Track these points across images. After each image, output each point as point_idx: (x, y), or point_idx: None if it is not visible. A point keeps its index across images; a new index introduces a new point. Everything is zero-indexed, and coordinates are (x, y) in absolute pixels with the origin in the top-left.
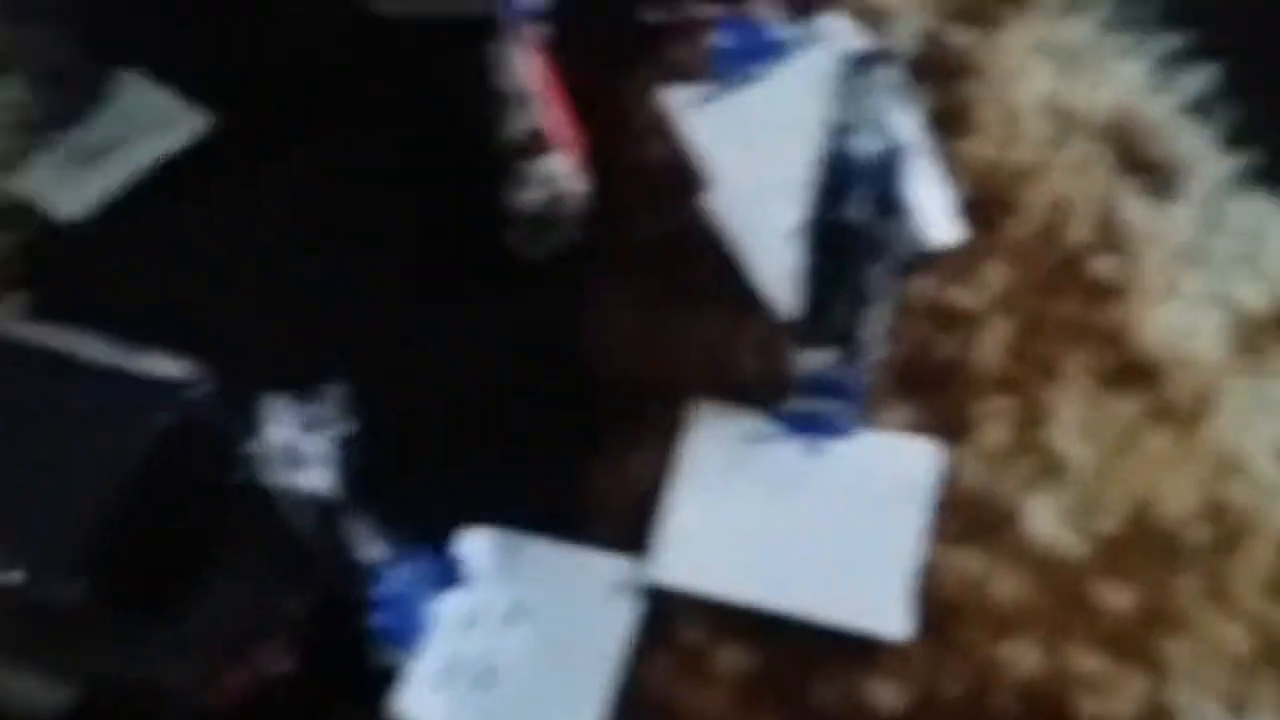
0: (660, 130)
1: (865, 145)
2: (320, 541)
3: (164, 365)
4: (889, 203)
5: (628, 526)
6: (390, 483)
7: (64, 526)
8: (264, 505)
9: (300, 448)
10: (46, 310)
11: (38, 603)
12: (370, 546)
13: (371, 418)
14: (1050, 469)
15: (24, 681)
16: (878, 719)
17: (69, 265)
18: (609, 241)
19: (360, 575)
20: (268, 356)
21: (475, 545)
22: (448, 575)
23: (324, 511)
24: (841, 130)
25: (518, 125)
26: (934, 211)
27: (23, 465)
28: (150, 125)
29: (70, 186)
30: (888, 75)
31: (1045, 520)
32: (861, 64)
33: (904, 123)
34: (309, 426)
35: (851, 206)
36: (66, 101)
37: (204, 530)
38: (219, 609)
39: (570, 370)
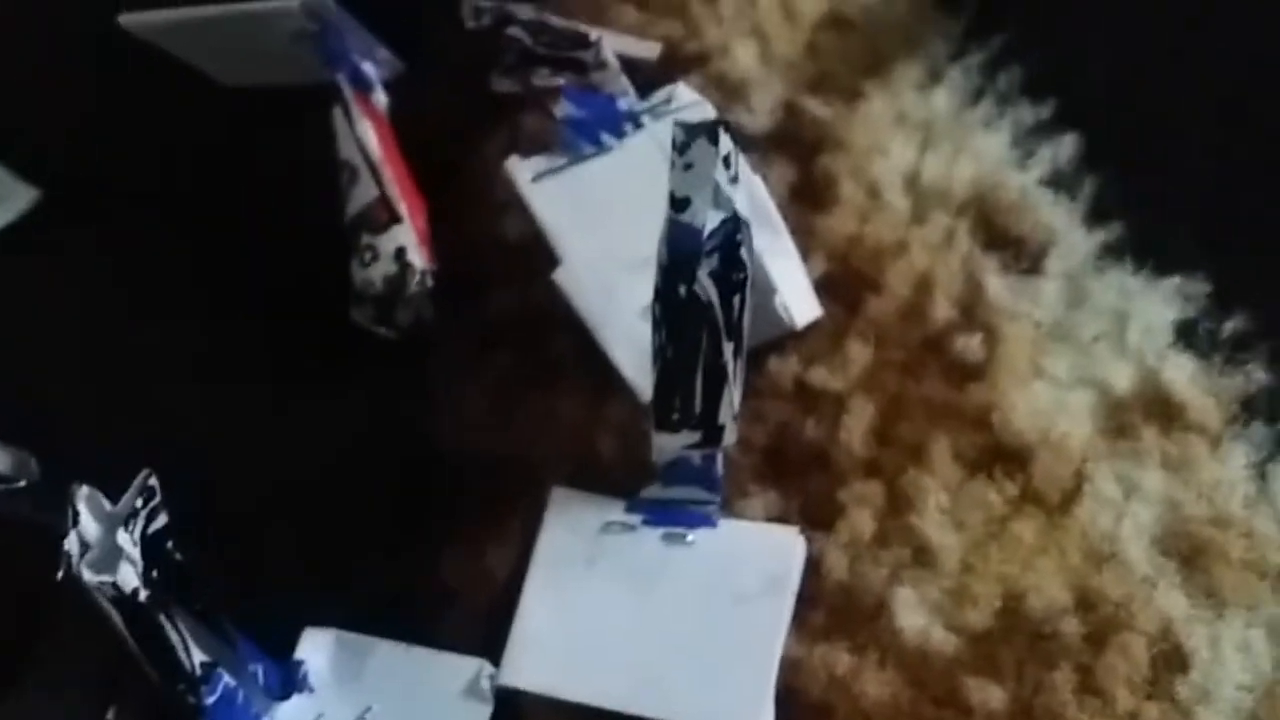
0: (517, 202)
1: (705, 217)
2: (139, 647)
3: None
4: (737, 278)
5: (481, 622)
6: (219, 579)
7: None
8: (76, 608)
9: (114, 543)
10: None
11: None
12: (196, 650)
13: (201, 506)
14: (919, 559)
15: None
16: None
17: None
18: (462, 320)
19: (186, 682)
20: (92, 441)
21: (318, 648)
22: (286, 682)
23: (140, 613)
24: (680, 204)
25: (360, 197)
26: (793, 290)
27: None
28: None
29: None
30: (727, 145)
31: (914, 614)
32: (698, 133)
33: (756, 195)
34: (122, 520)
35: (697, 283)
36: None
37: (16, 635)
38: (33, 714)
39: (421, 454)
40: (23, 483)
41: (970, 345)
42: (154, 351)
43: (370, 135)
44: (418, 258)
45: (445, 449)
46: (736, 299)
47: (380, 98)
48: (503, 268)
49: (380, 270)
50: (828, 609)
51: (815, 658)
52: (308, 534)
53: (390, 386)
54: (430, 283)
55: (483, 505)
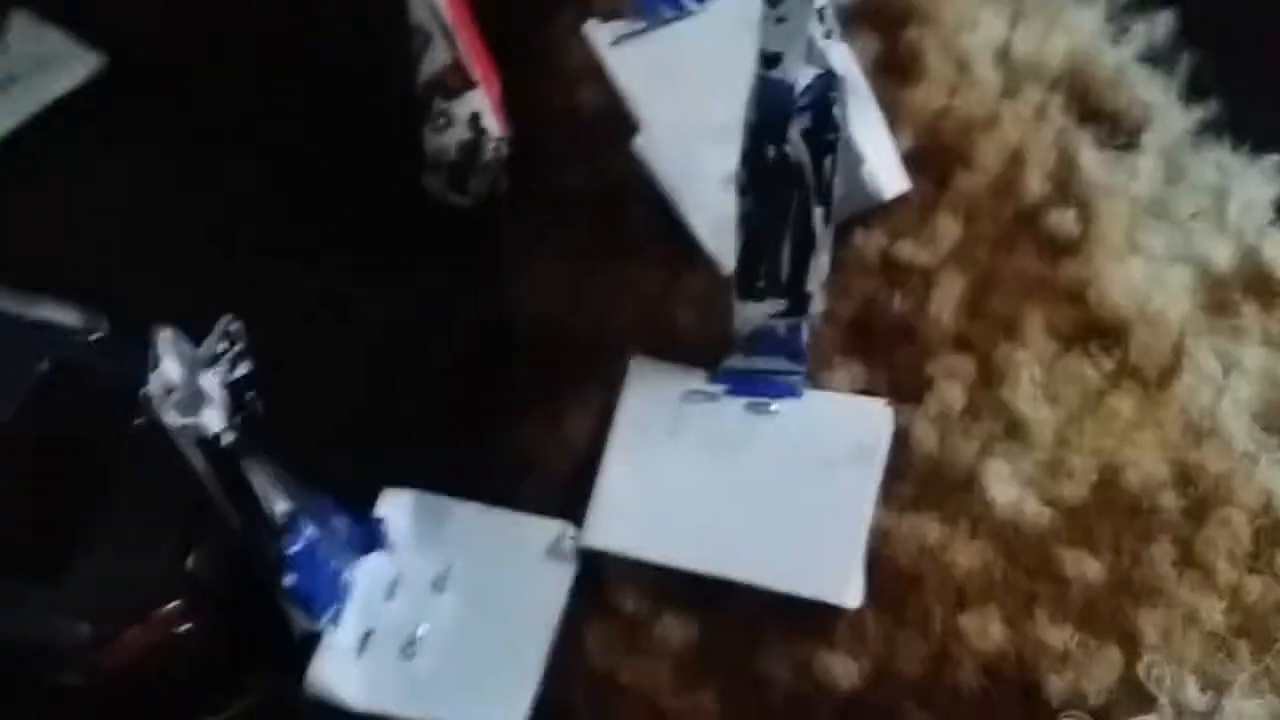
0: (592, 73)
1: (798, 73)
2: (222, 493)
3: (53, 311)
4: (829, 138)
5: (562, 487)
6: (301, 436)
7: None
8: (160, 452)
9: (198, 386)
10: None
11: None
12: (277, 500)
13: (280, 367)
14: (1011, 432)
15: None
16: (832, 694)
17: None
18: (536, 189)
19: (269, 530)
20: (164, 301)
21: (396, 507)
22: (367, 538)
23: (224, 457)
24: (770, 60)
25: (433, 61)
26: (880, 161)
27: None
28: (41, 67)
29: None
30: (820, 1)
31: (1007, 486)
32: None
33: (843, 60)
34: (206, 363)
35: (787, 143)
36: None
37: (93, 481)
38: (113, 563)
39: (496, 324)
40: (96, 335)
41: (1064, 220)
42: (223, 222)
43: None
44: (493, 124)
45: (520, 320)
46: (828, 160)
47: None
48: (576, 139)
49: (454, 136)
50: (916, 480)
51: (904, 528)
52: (382, 402)
53: (463, 257)
54: (505, 150)
55: (559, 375)
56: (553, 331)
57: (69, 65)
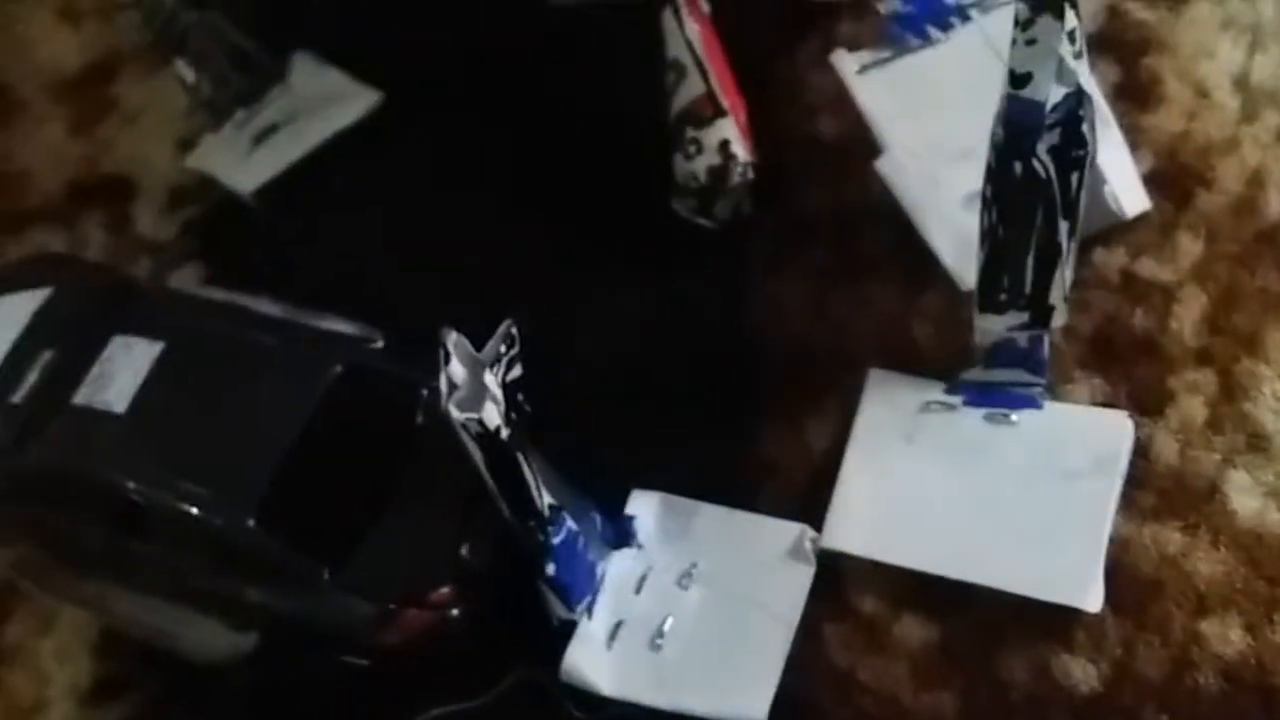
0: (832, 102)
1: (1048, 92)
2: (495, 485)
3: (337, 324)
4: (1078, 154)
5: (801, 493)
6: (562, 439)
7: (240, 464)
8: (440, 448)
9: (477, 385)
10: (222, 279)
11: (214, 534)
12: (543, 495)
13: (544, 375)
14: (1253, 445)
15: (207, 627)
16: (1071, 696)
17: (244, 237)
18: (780, 212)
19: (533, 521)
20: (439, 320)
21: (646, 507)
22: (620, 535)
23: (498, 451)
24: (1020, 80)
25: (686, 93)
26: (1122, 181)
27: (204, 407)
28: (322, 103)
29: (246, 163)
30: (1073, 20)
31: (1249, 497)
32: (1042, 7)
33: (1089, 81)
34: (484, 364)
35: (1036, 158)
36: (243, 81)
37: (379, 474)
38: (394, 549)
39: (741, 339)
40: (378, 344)
41: None
42: (494, 241)
43: (698, 35)
44: (741, 150)
45: (764, 335)
46: (1075, 176)
47: (704, 2)
48: (818, 164)
49: (704, 162)
50: (1157, 491)
51: (1145, 536)
52: (632, 409)
53: (710, 275)
54: (751, 175)
55: (800, 386)
56: (795, 346)
57: (349, 101)
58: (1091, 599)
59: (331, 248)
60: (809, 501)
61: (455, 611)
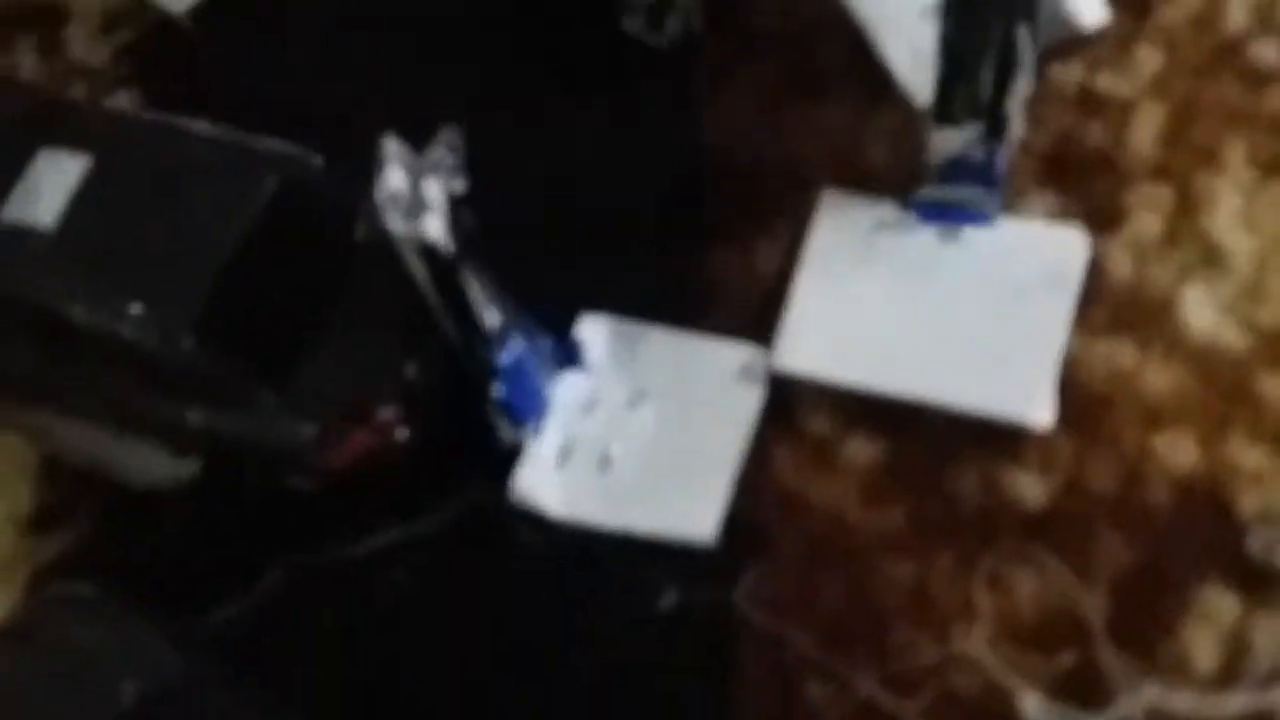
0: None
1: None
2: (439, 301)
3: (274, 145)
4: None
5: (751, 315)
6: (509, 261)
7: (175, 280)
8: (383, 264)
9: (418, 194)
10: (158, 104)
11: (151, 353)
12: (489, 312)
13: (491, 196)
14: (1209, 259)
15: (147, 453)
16: (1021, 511)
17: (179, 61)
18: (730, 29)
19: (480, 339)
20: (377, 137)
21: (595, 330)
22: (567, 357)
23: (442, 265)
24: None
25: None
26: None
27: (136, 224)
28: None
29: None
30: None
31: (1203, 311)
32: None
33: None
34: (426, 172)
35: None
36: None
37: (319, 292)
38: (336, 368)
39: (691, 160)
40: (316, 163)
41: (1267, 52)
42: (437, 58)
43: None
44: None
45: (712, 155)
46: None
47: None
48: None
49: None
50: (1111, 306)
51: (1097, 352)
52: (580, 231)
53: (658, 95)
54: None
55: (750, 206)
56: (745, 166)
57: None
58: (1041, 414)
59: (268, 71)
60: (759, 323)
61: (401, 433)
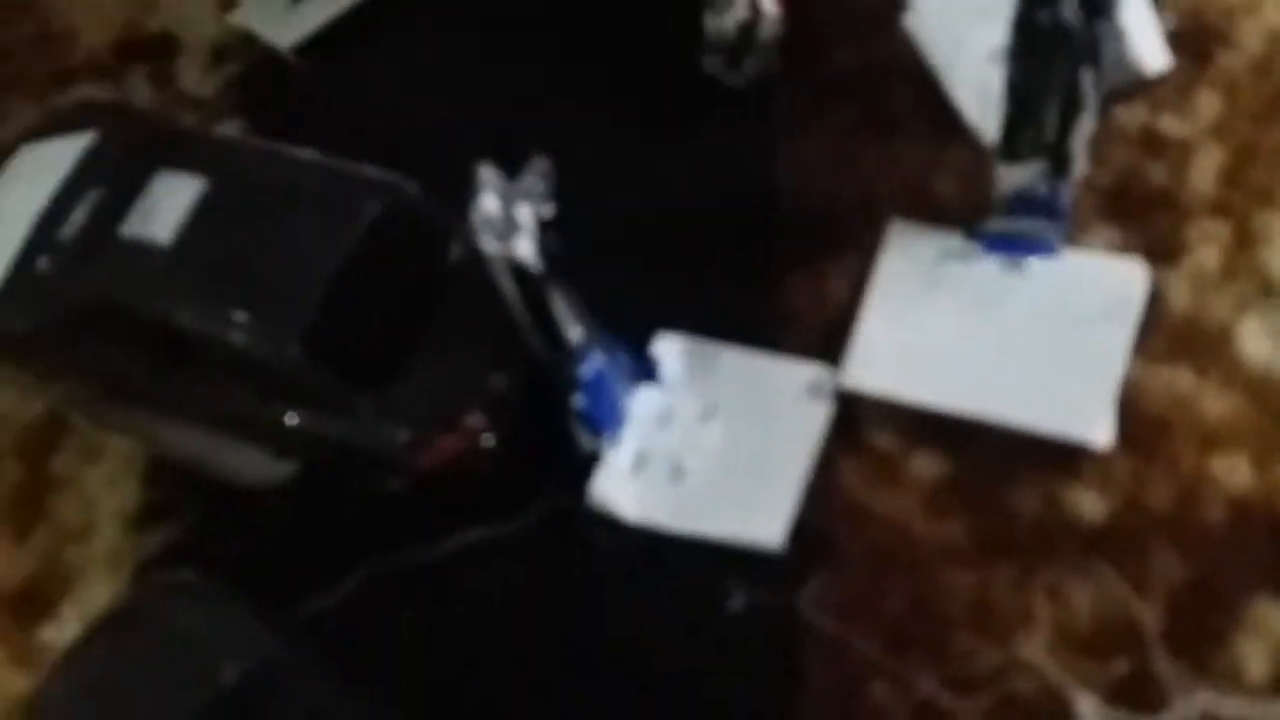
0: None
1: None
2: (526, 317)
3: (374, 172)
4: (1102, 1)
5: (821, 338)
6: (592, 283)
7: (283, 294)
8: (475, 283)
9: (510, 217)
10: (264, 132)
11: (258, 361)
12: (573, 328)
13: (576, 223)
14: (1266, 291)
15: (248, 455)
16: (1078, 528)
17: (284, 93)
18: (807, 70)
19: (563, 353)
20: (472, 165)
21: (671, 348)
22: (644, 372)
23: (530, 283)
24: None
25: None
26: (1144, 38)
27: (248, 241)
28: None
29: (286, 20)
30: None
31: (1260, 341)
32: None
33: None
34: (518, 197)
35: (1063, 6)
36: None
37: (415, 307)
38: (429, 377)
39: (767, 193)
40: (415, 191)
41: None
42: (524, 97)
43: None
44: (769, 5)
45: (787, 188)
46: (1099, 22)
47: None
48: (846, 22)
49: (734, 18)
50: (1170, 335)
51: (1156, 379)
52: (659, 258)
53: (738, 132)
54: (781, 30)
55: (824, 239)
56: (819, 200)
57: None
58: (1101, 434)
59: (369, 103)
60: (828, 346)
61: (486, 438)
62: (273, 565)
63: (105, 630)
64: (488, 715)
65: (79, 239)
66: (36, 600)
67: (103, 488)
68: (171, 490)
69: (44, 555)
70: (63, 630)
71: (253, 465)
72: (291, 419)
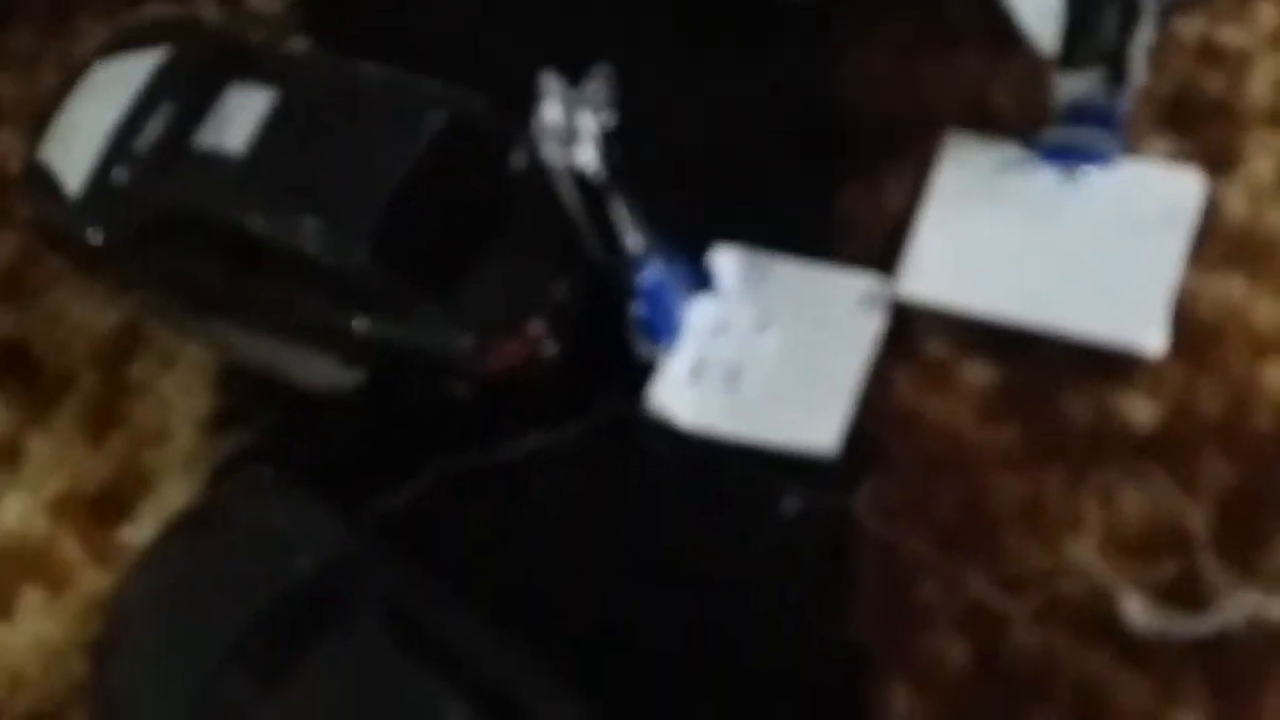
0: None
1: None
2: (588, 224)
3: (438, 86)
4: None
5: (877, 249)
6: (652, 194)
7: (352, 201)
8: (538, 192)
9: (572, 125)
10: (331, 48)
11: (328, 267)
12: (632, 236)
13: (635, 133)
14: None
15: (319, 362)
16: (1130, 433)
17: (349, 9)
18: None
19: (623, 261)
20: (534, 75)
21: (727, 259)
22: (701, 281)
23: (592, 190)
24: None
25: None
26: None
27: (317, 151)
28: None
29: None
30: None
31: None
32: None
33: None
34: (580, 105)
35: None
36: None
37: (480, 216)
38: (493, 284)
39: (826, 107)
40: (476, 101)
41: None
42: (586, 16)
43: None
44: None
45: (846, 100)
46: None
47: None
48: None
49: None
50: (1225, 244)
51: (1211, 286)
52: (719, 166)
53: (798, 47)
54: None
55: (881, 148)
56: (878, 113)
57: None
58: (1154, 341)
59: (432, 20)
60: (884, 256)
61: (547, 345)
62: (342, 469)
63: (183, 528)
64: (547, 614)
65: (154, 151)
66: (115, 502)
67: (178, 393)
68: (244, 396)
69: (122, 459)
70: (141, 530)
71: (322, 372)
72: (360, 325)
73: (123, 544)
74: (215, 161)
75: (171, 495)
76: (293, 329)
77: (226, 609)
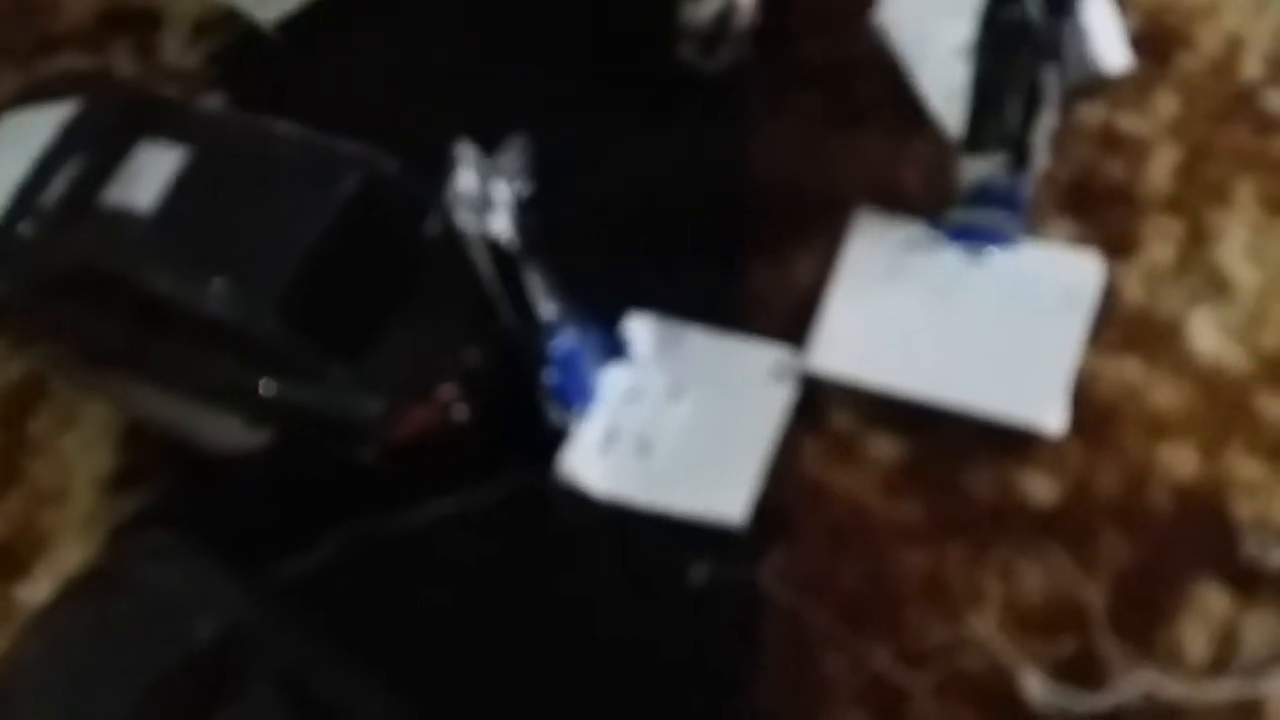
0: None
1: None
2: (501, 291)
3: (353, 147)
4: (1064, 3)
5: (785, 322)
6: (565, 262)
7: (262, 263)
8: (451, 258)
9: (487, 194)
10: (245, 106)
11: (236, 329)
12: (546, 304)
13: (549, 205)
14: (1216, 287)
15: (224, 422)
16: (1030, 510)
17: (266, 68)
18: (778, 60)
19: (536, 329)
20: (450, 142)
21: (641, 328)
22: (614, 350)
23: (505, 258)
24: None
25: None
26: (1105, 38)
27: (227, 211)
28: None
29: None
30: None
31: (1208, 334)
32: None
33: None
34: (495, 174)
35: (1027, 4)
36: None
37: (391, 280)
38: (404, 349)
39: (736, 180)
40: (393, 166)
41: (1278, 101)
42: (499, 80)
43: None
44: None
45: (756, 175)
46: (1061, 24)
47: None
48: (818, 14)
49: (710, 7)
50: (1123, 327)
51: (1108, 367)
52: (630, 240)
53: (709, 118)
54: (755, 20)
55: (790, 224)
56: (787, 188)
57: None
58: (1053, 420)
59: (350, 81)
60: (793, 330)
61: (459, 410)
62: (246, 532)
63: (79, 590)
64: (457, 679)
65: (60, 205)
66: (10, 561)
67: (79, 452)
68: (147, 455)
69: (19, 517)
70: (36, 589)
71: (228, 433)
72: (267, 387)
73: (17, 603)
74: (123, 219)
75: (68, 555)
76: (198, 389)
77: (121, 676)
